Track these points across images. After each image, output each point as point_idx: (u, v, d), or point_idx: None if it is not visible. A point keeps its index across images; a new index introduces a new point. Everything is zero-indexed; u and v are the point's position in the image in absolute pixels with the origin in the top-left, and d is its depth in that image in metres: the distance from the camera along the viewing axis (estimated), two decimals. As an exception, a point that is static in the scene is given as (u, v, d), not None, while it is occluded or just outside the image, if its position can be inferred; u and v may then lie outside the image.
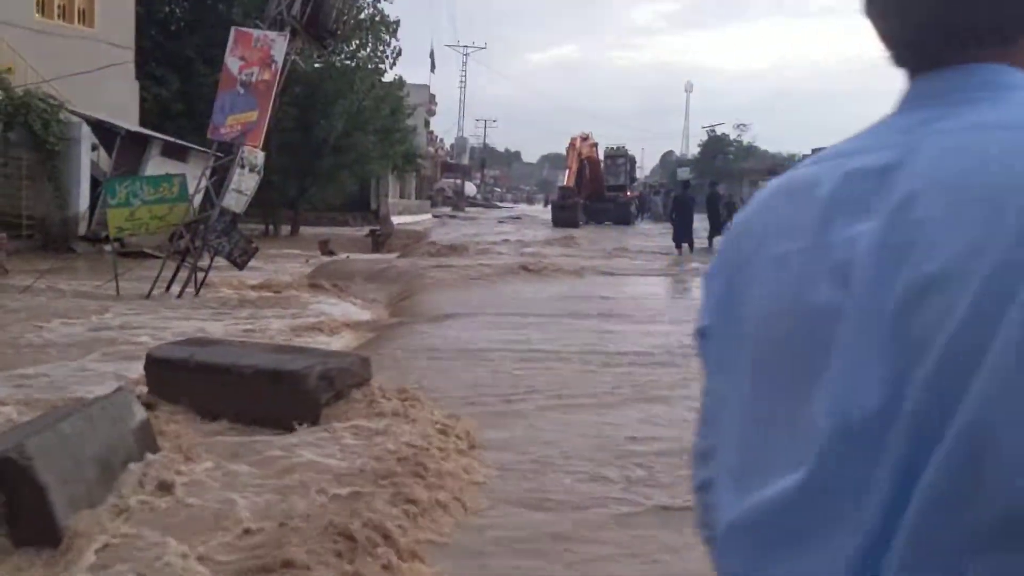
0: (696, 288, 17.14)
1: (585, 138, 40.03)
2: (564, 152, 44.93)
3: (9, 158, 19.50)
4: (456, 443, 5.74)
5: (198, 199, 14.70)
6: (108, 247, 15.94)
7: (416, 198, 52.52)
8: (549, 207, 46.16)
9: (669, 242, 24.47)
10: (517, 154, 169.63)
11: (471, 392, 7.34)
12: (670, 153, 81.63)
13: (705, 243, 24.40)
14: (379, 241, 25.84)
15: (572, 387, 7.55)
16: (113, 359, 8.62)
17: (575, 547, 4.25)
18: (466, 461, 5.48)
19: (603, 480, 5.24)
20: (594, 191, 39.37)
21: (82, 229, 20.04)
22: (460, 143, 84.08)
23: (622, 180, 40.88)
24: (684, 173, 44.29)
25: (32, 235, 19.33)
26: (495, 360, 8.68)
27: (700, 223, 25.53)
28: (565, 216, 35.57)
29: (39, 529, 3.68)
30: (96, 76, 21.54)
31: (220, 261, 14.16)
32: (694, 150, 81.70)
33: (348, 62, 30.71)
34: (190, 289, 13.43)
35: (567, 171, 39.09)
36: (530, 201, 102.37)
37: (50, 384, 7.47)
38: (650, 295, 15.41)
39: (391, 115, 33.26)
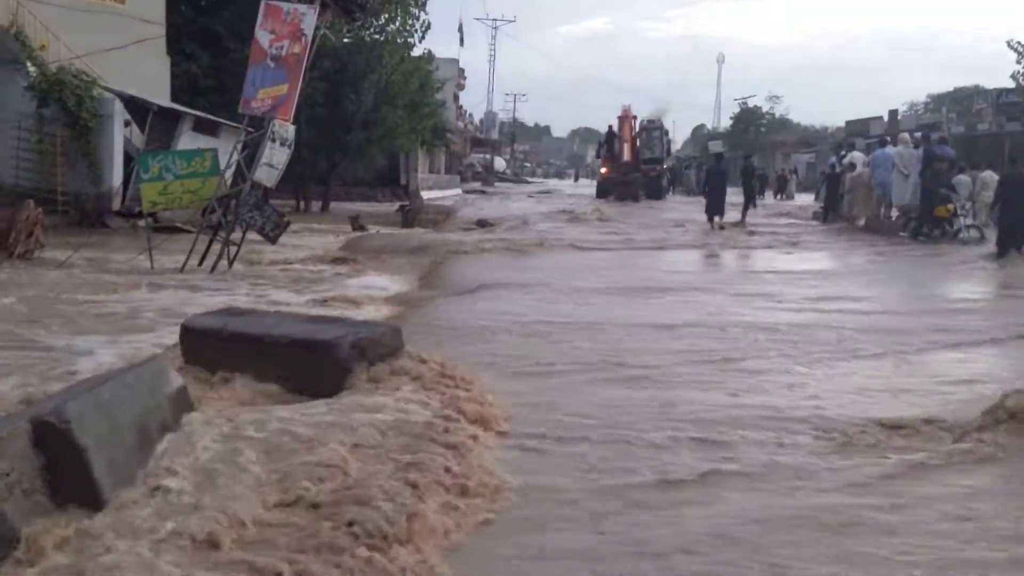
0: (729, 259, 17.06)
1: (627, 111, 39.98)
2: (595, 126, 44.83)
3: (44, 134, 19.72)
4: (483, 412, 5.77)
5: (230, 174, 14.81)
6: (142, 222, 16.09)
7: (445, 173, 52.52)
8: (577, 181, 46.11)
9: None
10: (547, 128, 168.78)
11: (502, 362, 7.36)
12: (701, 127, 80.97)
13: (738, 216, 24.23)
14: (409, 216, 25.88)
15: (606, 357, 7.55)
16: (147, 331, 8.74)
17: (613, 521, 4.27)
18: (493, 431, 5.50)
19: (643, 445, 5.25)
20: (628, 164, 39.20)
21: (116, 204, 20.25)
22: (489, 118, 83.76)
23: (657, 153, 40.61)
24: (716, 146, 43.88)
25: (67, 211, 19.57)
26: (526, 332, 8.70)
27: (733, 196, 25.37)
28: (627, 191, 35.54)
29: (80, 492, 3.74)
30: (128, 52, 21.69)
31: (252, 235, 14.27)
32: (726, 123, 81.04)
33: (377, 36, 30.66)
34: (223, 263, 13.55)
35: (623, 144, 38.81)
36: (560, 176, 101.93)
37: (86, 355, 7.58)
38: (688, 268, 15.37)
39: (420, 89, 33.19)
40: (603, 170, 40.17)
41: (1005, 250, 15.10)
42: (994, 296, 12.28)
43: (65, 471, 3.71)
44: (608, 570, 3.68)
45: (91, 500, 3.76)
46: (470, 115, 74.47)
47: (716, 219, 22.88)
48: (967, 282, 13.29)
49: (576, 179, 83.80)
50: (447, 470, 4.55)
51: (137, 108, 21.19)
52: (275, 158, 13.71)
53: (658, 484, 4.63)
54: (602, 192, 37.59)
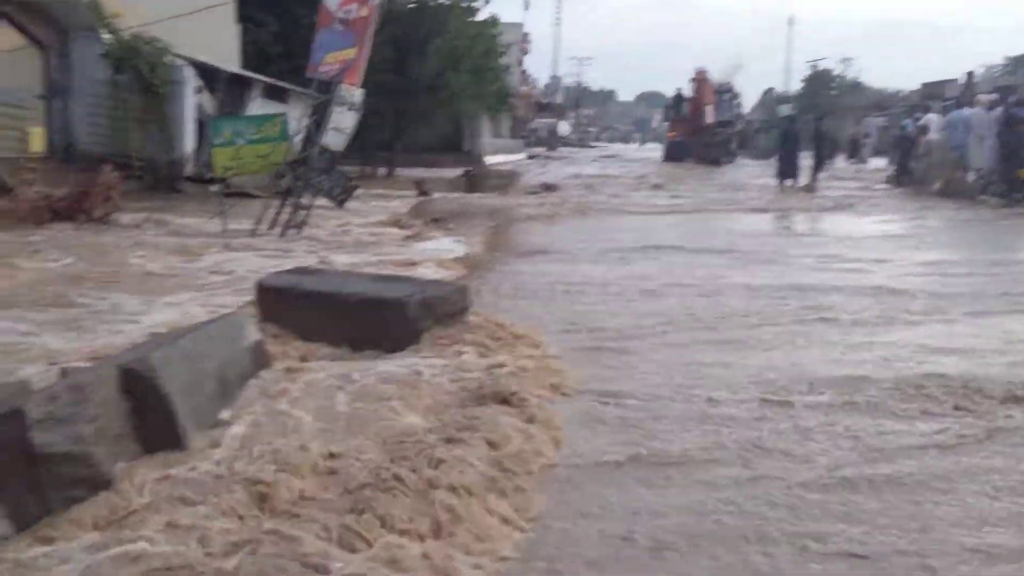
0: (802, 222, 16.81)
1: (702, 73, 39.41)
2: (661, 90, 44.28)
3: (119, 101, 20.19)
4: (549, 372, 5.82)
5: (299, 140, 15.01)
6: (213, 187, 16.42)
7: (509, 138, 52.42)
8: (643, 145, 45.74)
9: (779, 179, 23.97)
10: (612, 93, 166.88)
11: (569, 323, 7.41)
12: (770, 90, 79.27)
13: (809, 179, 23.84)
14: (473, 181, 25.94)
15: (680, 318, 7.56)
16: (223, 291, 8.96)
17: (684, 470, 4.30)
18: (559, 392, 5.55)
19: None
20: (695, 128, 38.72)
21: (189, 170, 20.67)
22: (554, 82, 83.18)
23: (728, 116, 40.02)
24: (786, 109, 43.07)
25: (142, 176, 20.03)
26: (595, 293, 8.76)
27: (804, 160, 24.95)
28: (698, 154, 35.27)
29: (165, 438, 3.90)
30: (198, 20, 21.99)
31: (321, 201, 14.47)
32: (796, 86, 79.27)
33: (442, 0, 30.61)
34: (292, 227, 13.77)
35: (696, 107, 38.35)
36: (625, 140, 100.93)
37: (158, 313, 7.82)
38: (760, 230, 15.21)
39: (484, 54, 33.07)
40: (671, 133, 39.74)
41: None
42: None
43: (150, 417, 3.87)
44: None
45: (174, 445, 3.92)
46: (535, 80, 74.06)
47: (788, 182, 22.52)
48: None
49: (642, 143, 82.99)
50: (515, 429, 4.62)
51: (208, 75, 21.53)
52: (343, 122, 13.85)
53: (744, 451, 4.62)
54: (670, 156, 37.34)
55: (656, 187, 23.70)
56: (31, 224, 13.55)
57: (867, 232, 14.44)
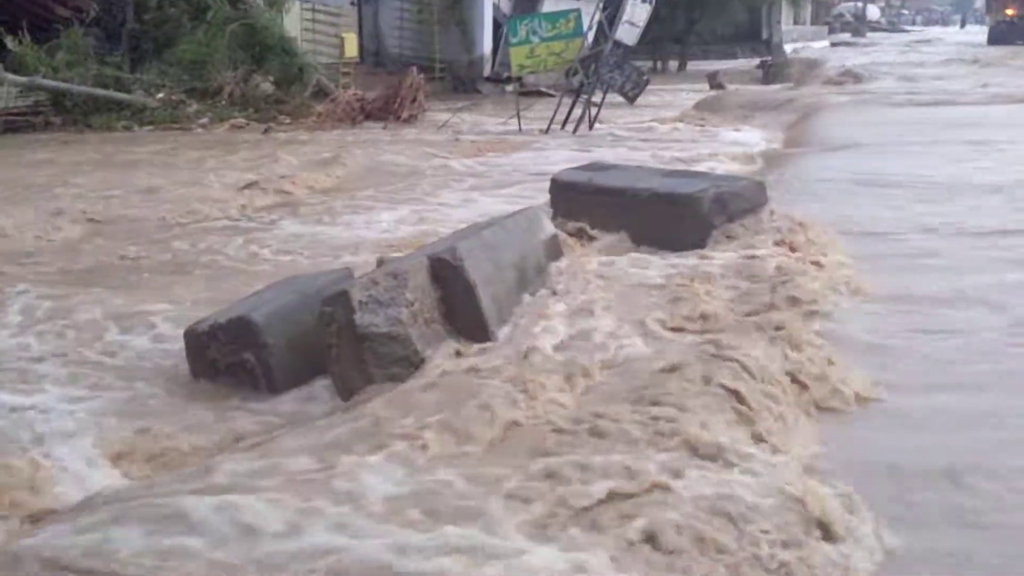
0: None
1: None
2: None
3: (422, 5, 21.12)
4: (847, 275, 5.54)
5: (591, 35, 14.99)
6: (510, 87, 16.89)
7: (811, 24, 49.28)
8: (963, 28, 41.08)
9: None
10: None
11: (873, 226, 6.96)
12: None
13: None
14: (770, 72, 24.72)
15: (989, 223, 6.89)
16: (520, 187, 9.29)
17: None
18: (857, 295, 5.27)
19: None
20: None
21: (487, 70, 21.35)
22: (863, -39, 76.62)
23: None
24: None
25: (443, 77, 20.98)
26: (898, 192, 8.16)
27: None
28: None
29: (470, 324, 4.16)
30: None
31: (612, 98, 14.45)
32: None
33: None
34: (584, 124, 13.91)
35: None
36: (944, 23, 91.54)
37: (463, 208, 8.30)
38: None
39: (786, -67, 31.06)
40: (1006, 10, 34.98)
41: None
42: None
43: (457, 304, 4.13)
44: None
45: (479, 332, 4.17)
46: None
47: None
48: None
49: (962, 25, 74.94)
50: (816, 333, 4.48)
51: (503, -26, 21.92)
52: (636, 15, 13.70)
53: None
54: (997, 38, 33.13)
55: (976, 74, 21.39)
56: (347, 123, 14.70)
57: None
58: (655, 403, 3.35)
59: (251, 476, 2.86)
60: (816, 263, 5.58)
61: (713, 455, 2.97)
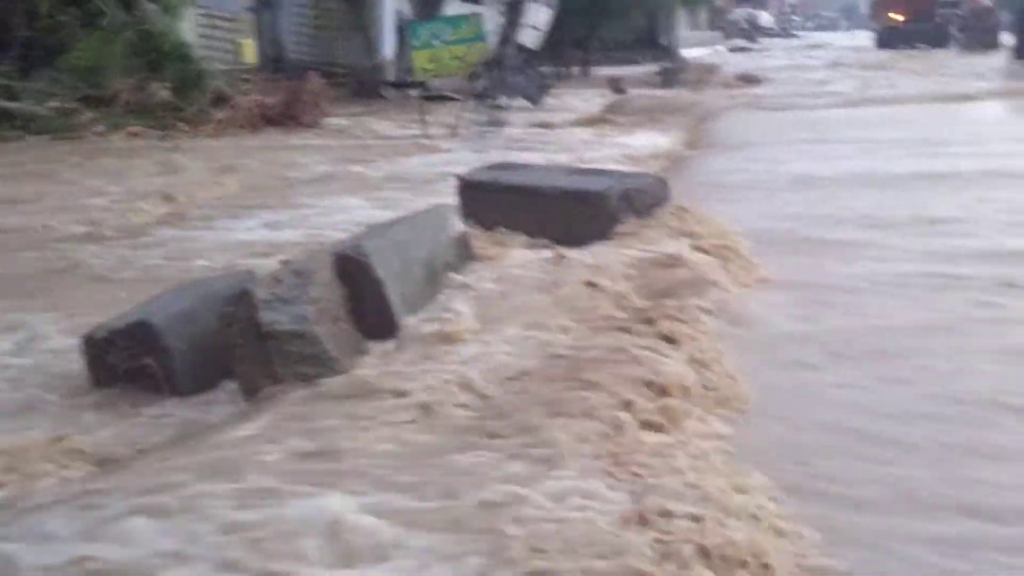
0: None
1: None
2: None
3: (322, 10, 20.85)
4: (746, 266, 5.68)
5: (494, 40, 15.05)
6: (413, 91, 16.81)
7: (708, 30, 50.44)
8: (850, 33, 42.53)
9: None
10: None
11: (772, 220, 7.16)
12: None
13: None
14: (669, 77, 25.21)
15: (885, 214, 7.16)
16: (426, 189, 9.22)
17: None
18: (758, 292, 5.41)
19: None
20: (918, 9, 35.41)
21: (390, 75, 21.18)
22: (755, -30, 78.77)
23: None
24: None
25: (346, 83, 20.73)
26: (797, 187, 8.42)
27: None
28: (921, 37, 32.52)
29: (378, 321, 4.10)
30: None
31: (518, 102, 14.52)
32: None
33: None
34: (490, 127, 13.91)
35: None
36: (833, 28, 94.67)
37: (375, 211, 8.18)
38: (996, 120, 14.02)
39: (681, -59, 31.71)
40: (886, 16, 36.58)
41: None
42: None
43: (365, 302, 4.07)
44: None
45: (388, 329, 4.12)
46: (733, -32, 70.36)
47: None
48: None
49: (849, 30, 77.74)
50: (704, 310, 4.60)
51: (404, -21, 21.82)
52: (537, 19, 13.76)
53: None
54: (884, 42, 34.48)
55: (864, 75, 22.23)
56: (247, 130, 14.40)
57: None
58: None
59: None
60: (716, 254, 5.70)
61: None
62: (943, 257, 5.88)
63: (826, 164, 9.55)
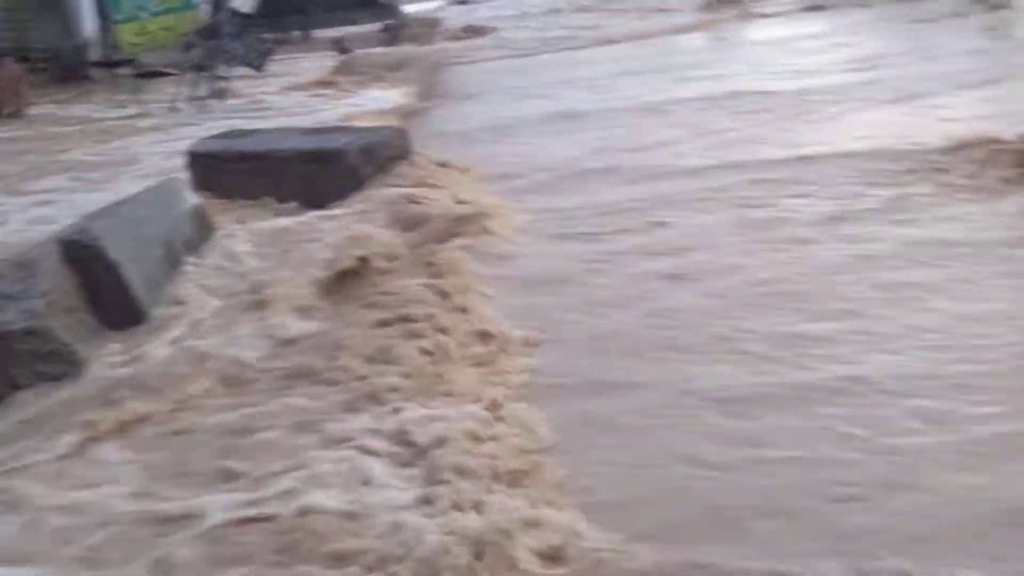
0: (732, 36, 16.57)
1: None
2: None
3: (8, -10, 18.96)
4: (497, 204, 5.81)
5: (205, 7, 14.31)
6: (124, 69, 15.71)
7: (425, -14, 50.47)
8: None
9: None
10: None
11: (513, 161, 7.34)
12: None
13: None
14: (394, 33, 25.07)
15: (612, 145, 7.52)
16: (152, 169, 8.69)
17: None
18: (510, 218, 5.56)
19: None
20: None
21: (95, 54, 19.66)
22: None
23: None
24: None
25: (47, 68, 19.04)
26: (533, 130, 8.68)
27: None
28: None
29: (120, 308, 3.83)
30: None
31: (240, 70, 13.92)
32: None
33: None
34: (212, 98, 13.27)
35: None
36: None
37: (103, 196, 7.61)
38: (696, 51, 14.96)
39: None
40: None
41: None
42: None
43: (102, 289, 3.78)
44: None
45: (132, 315, 3.86)
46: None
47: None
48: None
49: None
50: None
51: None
52: (250, -18, 13.20)
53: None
54: None
55: (582, 19, 23.11)
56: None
57: (797, 33, 14.31)
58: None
59: None
60: (463, 201, 5.77)
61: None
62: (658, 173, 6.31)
63: (554, 106, 9.91)
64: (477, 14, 29.69)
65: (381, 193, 5.74)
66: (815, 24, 15.79)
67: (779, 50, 12.66)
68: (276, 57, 15.48)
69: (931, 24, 13.98)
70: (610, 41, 16.83)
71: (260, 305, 4.05)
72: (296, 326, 3.82)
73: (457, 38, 21.64)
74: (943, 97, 7.98)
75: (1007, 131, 5.89)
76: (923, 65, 9.84)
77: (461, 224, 5.18)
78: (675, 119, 8.37)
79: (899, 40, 12.66)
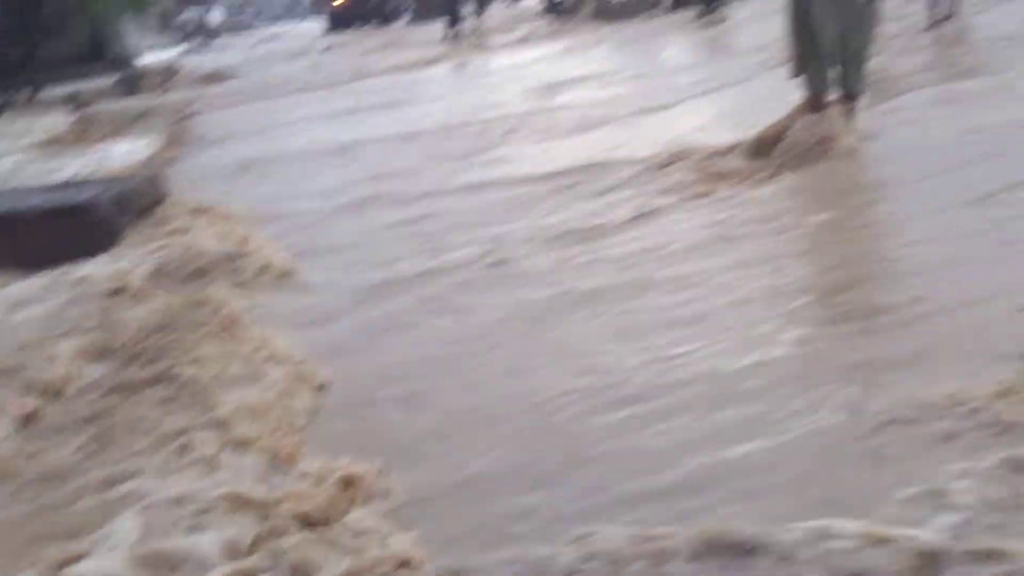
0: (473, 65, 17.18)
1: None
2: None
3: None
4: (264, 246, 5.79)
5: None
6: None
7: (160, 34, 48.76)
8: (300, 22, 43.94)
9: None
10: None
11: (275, 200, 7.32)
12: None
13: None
14: (130, 84, 24.16)
15: (369, 175, 7.70)
16: None
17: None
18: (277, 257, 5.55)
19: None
20: None
21: None
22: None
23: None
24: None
25: None
26: (295, 164, 8.75)
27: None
28: (367, 16, 34.95)
29: None
30: None
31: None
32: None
33: None
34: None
35: None
36: (283, 20, 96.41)
37: None
38: (436, 80, 15.39)
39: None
40: (335, 2, 38.46)
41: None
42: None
43: None
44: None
45: None
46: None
47: (453, 31, 22.92)
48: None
49: (300, 20, 79.90)
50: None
51: None
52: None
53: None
54: (334, 25, 36.24)
55: (323, 60, 23.26)
56: None
57: (530, 59, 15.07)
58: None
59: None
60: (229, 240, 5.71)
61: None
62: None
63: (301, 143, 10.03)
64: (217, 61, 29.11)
65: (139, 243, 5.58)
66: (549, 47, 16.77)
67: (514, 74, 13.45)
68: (7, 119, 14.47)
69: (658, 39, 15.29)
70: (363, 77, 17.05)
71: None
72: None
73: (199, 85, 21.20)
74: (674, 108, 8.79)
75: (726, 136, 6.59)
76: (651, 80, 10.76)
77: (223, 264, 5.13)
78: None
79: (628, 57, 13.71)
